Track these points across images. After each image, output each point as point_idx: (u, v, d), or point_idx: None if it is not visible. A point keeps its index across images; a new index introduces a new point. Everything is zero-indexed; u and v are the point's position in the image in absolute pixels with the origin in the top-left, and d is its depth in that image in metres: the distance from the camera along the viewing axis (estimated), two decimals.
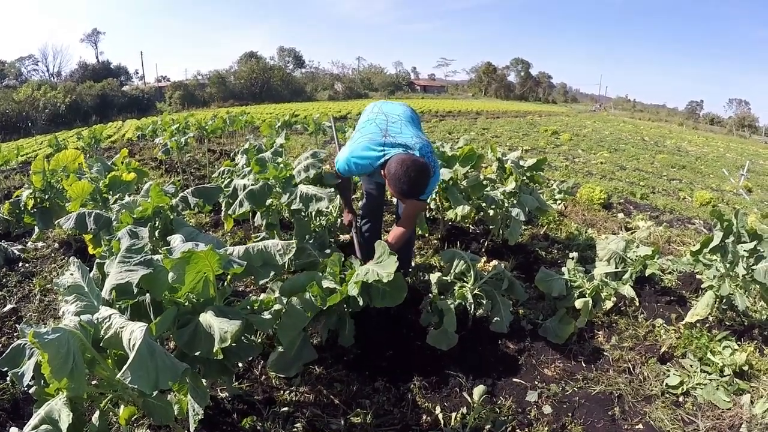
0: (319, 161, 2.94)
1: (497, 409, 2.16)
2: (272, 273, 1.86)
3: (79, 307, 1.71)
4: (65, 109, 31.79)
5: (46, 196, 3.81)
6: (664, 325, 2.86)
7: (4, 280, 3.63)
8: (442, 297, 2.55)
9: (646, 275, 3.26)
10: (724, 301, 2.63)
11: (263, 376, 2.50)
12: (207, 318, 1.64)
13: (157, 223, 2.54)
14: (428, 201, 2.65)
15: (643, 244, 3.81)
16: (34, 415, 1.41)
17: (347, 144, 2.70)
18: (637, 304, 3.08)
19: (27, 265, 3.91)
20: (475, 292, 2.58)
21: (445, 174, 3.38)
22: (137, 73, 56.90)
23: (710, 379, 2.35)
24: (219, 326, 1.57)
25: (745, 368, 2.39)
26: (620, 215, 5.37)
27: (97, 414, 1.47)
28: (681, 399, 2.28)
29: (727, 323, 2.79)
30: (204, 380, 2.24)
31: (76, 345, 1.33)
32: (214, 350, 1.54)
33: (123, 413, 1.49)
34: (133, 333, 1.34)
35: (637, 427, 2.09)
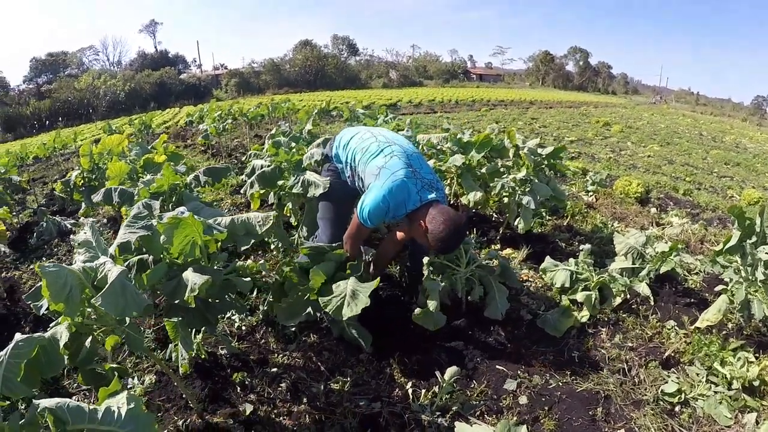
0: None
1: (468, 392, 2.03)
2: (252, 240, 1.87)
3: (86, 257, 1.86)
4: (124, 97, 32.97)
5: (93, 176, 4.05)
6: (676, 327, 2.54)
7: (55, 250, 3.97)
8: (432, 278, 2.41)
9: (666, 273, 2.91)
10: (743, 307, 2.27)
11: (263, 340, 2.53)
12: (187, 274, 1.74)
13: (174, 198, 2.61)
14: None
15: (672, 242, 3.41)
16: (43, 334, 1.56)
17: (372, 186, 2.24)
18: (652, 303, 2.75)
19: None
20: (467, 276, 2.42)
21: (457, 160, 3.19)
22: (195, 61, 57.80)
23: (715, 391, 2.05)
24: (192, 279, 1.67)
25: (756, 383, 2.04)
26: (653, 210, 4.86)
27: (89, 339, 1.63)
28: (677, 409, 2.00)
29: (746, 332, 2.43)
30: (198, 336, 2.32)
31: (74, 280, 1.50)
32: (185, 298, 1.64)
33: (108, 340, 1.66)
34: (112, 272, 1.50)
35: (618, 431, 1.88)
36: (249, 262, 2.08)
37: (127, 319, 1.59)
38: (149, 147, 4.15)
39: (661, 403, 2.02)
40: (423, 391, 2.03)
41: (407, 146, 2.38)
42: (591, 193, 5.10)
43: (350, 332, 2.22)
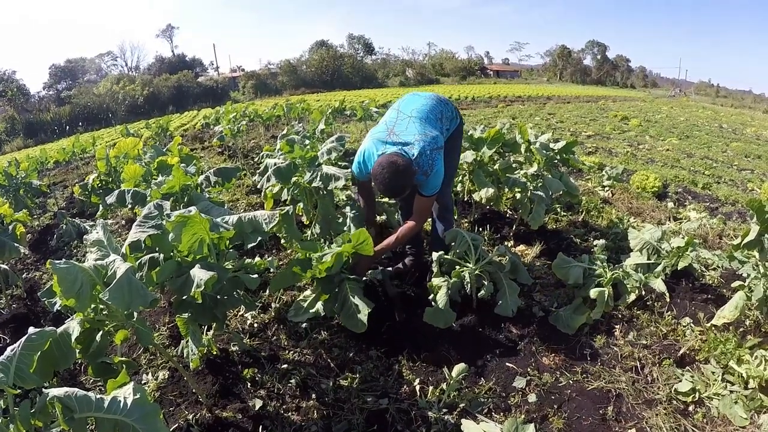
0: (342, 145, 2.95)
1: (476, 389, 2.02)
2: (259, 238, 1.90)
3: (98, 256, 1.93)
4: (143, 101, 33.15)
5: (110, 179, 4.15)
6: (691, 325, 2.48)
7: (75, 251, 4.08)
8: (443, 276, 2.41)
9: (683, 269, 2.84)
10: (761, 304, 2.21)
11: (274, 337, 2.56)
12: (195, 271, 1.78)
13: (185, 198, 2.67)
14: (433, 196, 2.53)
15: (688, 236, 3.33)
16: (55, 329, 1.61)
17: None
18: (667, 299, 2.69)
19: None
20: (477, 273, 2.40)
21: (468, 156, 3.16)
22: (212, 64, 57.67)
23: (730, 390, 1.99)
24: (199, 275, 1.71)
25: None
26: (670, 204, 4.74)
27: (100, 333, 1.70)
28: (691, 408, 1.95)
29: (764, 330, 2.36)
30: (210, 333, 2.36)
31: (84, 277, 1.55)
32: (191, 293, 1.69)
33: (118, 335, 1.71)
34: (120, 268, 1.55)
35: (629, 431, 1.84)
36: (257, 259, 2.10)
37: (135, 314, 1.64)
38: (165, 149, 4.23)
39: (675, 402, 1.98)
40: (431, 388, 2.03)
41: (407, 111, 2.57)
42: (607, 188, 5.01)
43: (351, 301, 2.20)
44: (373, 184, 2.44)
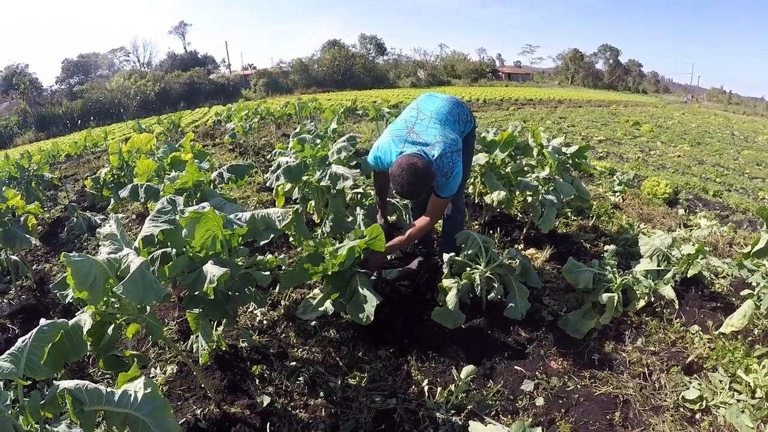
0: (352, 145, 2.96)
1: (484, 392, 2.02)
2: (272, 235, 1.92)
3: (111, 249, 1.93)
4: (155, 97, 33.24)
5: (122, 173, 4.19)
6: (700, 332, 2.47)
7: (85, 243, 4.14)
8: (453, 277, 2.41)
9: (690, 276, 2.83)
10: None
11: (283, 334, 2.58)
12: (207, 267, 1.80)
13: (198, 194, 2.69)
14: (449, 198, 2.56)
15: (698, 244, 3.31)
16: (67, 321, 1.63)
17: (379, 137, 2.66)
18: (677, 306, 2.68)
19: None
20: (487, 275, 2.41)
21: (480, 159, 3.17)
22: (224, 62, 57.48)
23: (738, 399, 1.98)
24: (212, 272, 1.72)
25: None
26: (681, 211, 4.71)
27: (111, 327, 1.72)
28: (698, 416, 1.94)
29: None
30: (220, 329, 2.38)
31: (98, 270, 1.56)
32: (204, 288, 1.70)
33: (130, 329, 1.73)
34: (134, 263, 1.56)
35: None
36: (269, 256, 2.12)
37: (148, 308, 1.65)
38: (176, 145, 4.26)
39: (682, 409, 1.97)
40: (439, 389, 2.04)
41: (427, 111, 2.59)
42: (618, 194, 4.99)
43: (359, 293, 2.17)
44: (391, 185, 2.43)
